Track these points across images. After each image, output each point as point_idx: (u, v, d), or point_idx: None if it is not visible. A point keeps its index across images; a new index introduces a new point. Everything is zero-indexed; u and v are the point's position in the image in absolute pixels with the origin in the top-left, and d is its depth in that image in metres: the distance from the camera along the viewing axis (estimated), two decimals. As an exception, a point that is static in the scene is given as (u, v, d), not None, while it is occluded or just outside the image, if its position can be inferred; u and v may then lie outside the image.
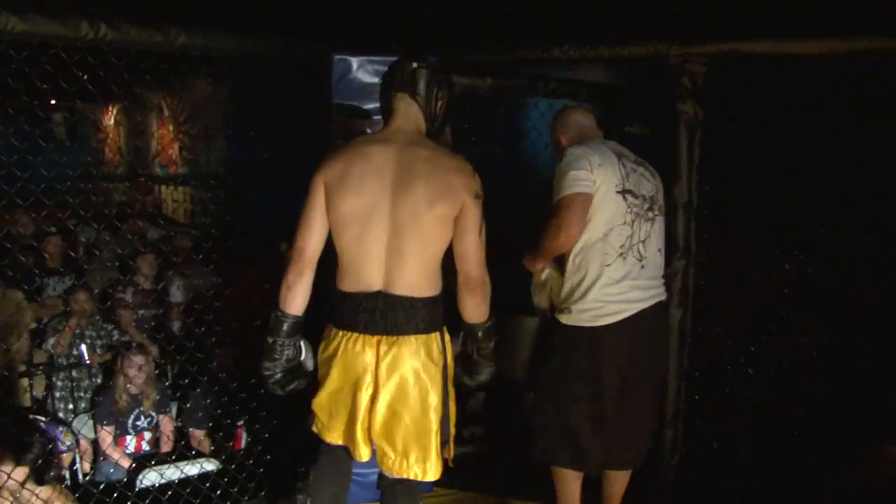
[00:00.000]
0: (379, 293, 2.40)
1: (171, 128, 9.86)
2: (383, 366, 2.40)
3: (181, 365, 5.29)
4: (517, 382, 3.41)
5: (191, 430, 4.61)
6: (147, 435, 4.50)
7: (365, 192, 2.39)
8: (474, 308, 2.49)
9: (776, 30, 2.94)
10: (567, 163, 2.76)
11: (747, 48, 3.02)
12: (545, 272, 2.98)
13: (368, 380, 2.42)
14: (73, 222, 7.19)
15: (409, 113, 2.52)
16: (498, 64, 3.39)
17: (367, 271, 2.41)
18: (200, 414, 4.57)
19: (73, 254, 5.82)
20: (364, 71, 3.28)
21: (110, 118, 11.51)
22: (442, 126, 2.60)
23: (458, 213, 2.39)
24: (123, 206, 8.80)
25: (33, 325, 5.08)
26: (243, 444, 4.48)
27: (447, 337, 2.51)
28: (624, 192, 2.78)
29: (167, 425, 4.57)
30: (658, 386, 3.02)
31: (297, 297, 2.48)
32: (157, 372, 5.07)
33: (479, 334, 2.55)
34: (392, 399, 2.41)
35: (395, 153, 2.43)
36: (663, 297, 2.97)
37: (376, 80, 3.21)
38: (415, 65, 2.53)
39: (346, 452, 2.61)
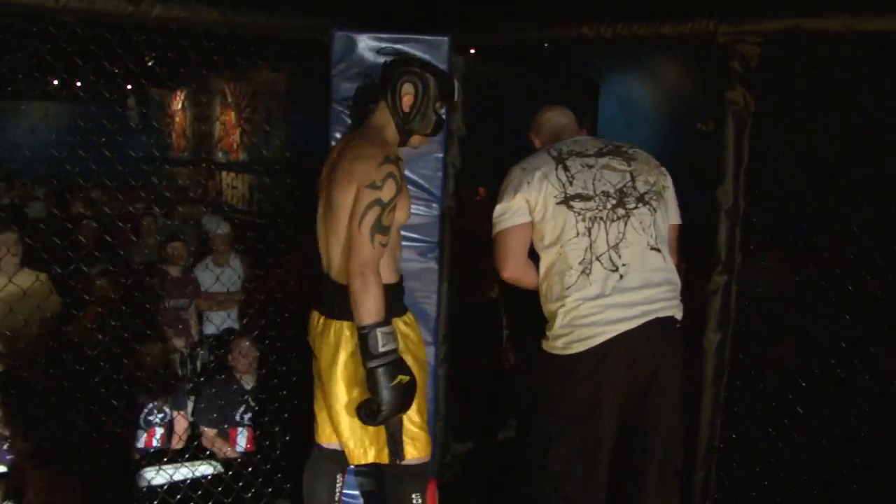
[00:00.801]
0: (326, 275, 2.54)
1: (233, 114, 9.81)
2: (320, 342, 2.53)
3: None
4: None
5: (203, 428, 4.39)
6: (158, 431, 4.31)
7: (320, 182, 2.59)
8: (352, 304, 2.31)
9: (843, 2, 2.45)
10: (498, 195, 2.55)
11: (814, 25, 2.53)
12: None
13: (316, 354, 2.58)
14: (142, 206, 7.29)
15: (379, 108, 2.57)
16: (520, 44, 2.99)
17: (323, 254, 2.56)
18: (214, 413, 4.35)
19: (108, 238, 5.68)
20: (369, 50, 2.93)
21: (178, 103, 11.59)
22: (419, 123, 2.55)
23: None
24: (181, 191, 8.80)
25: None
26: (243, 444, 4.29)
27: (400, 330, 2.49)
28: (567, 201, 2.43)
29: (181, 423, 4.37)
30: (676, 422, 2.50)
31: None
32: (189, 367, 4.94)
33: (360, 341, 2.32)
34: (328, 378, 2.51)
35: (343, 145, 2.56)
36: (668, 313, 2.43)
37: (384, 60, 2.91)
38: (386, 60, 2.63)
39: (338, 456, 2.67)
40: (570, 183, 2.44)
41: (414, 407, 2.46)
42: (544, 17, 2.86)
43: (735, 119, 2.70)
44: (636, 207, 2.45)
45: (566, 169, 2.47)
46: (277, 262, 5.05)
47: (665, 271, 2.45)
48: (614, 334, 2.34)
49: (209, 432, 4.37)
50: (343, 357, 2.46)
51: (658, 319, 2.38)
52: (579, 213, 2.41)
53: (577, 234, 2.40)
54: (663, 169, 2.57)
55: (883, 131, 2.98)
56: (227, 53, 3.00)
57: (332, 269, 2.50)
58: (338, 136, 2.95)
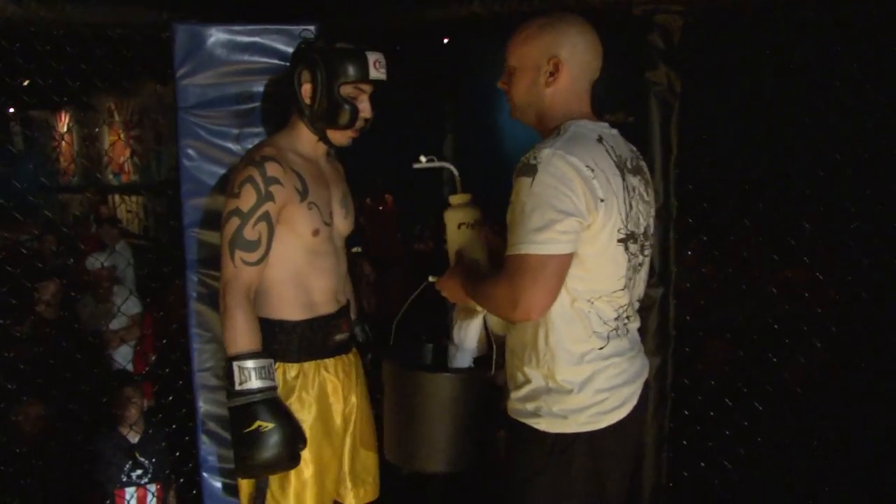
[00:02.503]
0: None
1: (121, 134, 9.09)
2: None
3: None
4: (434, 478, 2.20)
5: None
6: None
7: None
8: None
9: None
10: (543, 185, 1.60)
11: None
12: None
13: None
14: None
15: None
16: (400, 28, 2.53)
17: None
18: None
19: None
20: (222, 46, 2.42)
21: (63, 125, 10.77)
22: (326, 114, 2.06)
23: None
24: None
25: None
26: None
27: (279, 374, 2.07)
28: (626, 240, 1.73)
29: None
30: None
31: None
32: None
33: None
34: None
35: None
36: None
37: (240, 56, 2.43)
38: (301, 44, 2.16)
39: None
40: (630, 211, 1.73)
41: (292, 486, 2.05)
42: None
43: (659, 103, 2.29)
44: (650, 250, 1.88)
45: (628, 189, 1.73)
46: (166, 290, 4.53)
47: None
48: (639, 393, 1.80)
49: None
50: None
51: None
52: (629, 259, 1.75)
53: (623, 287, 1.75)
54: None
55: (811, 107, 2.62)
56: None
57: None
58: (190, 151, 2.45)
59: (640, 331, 1.94)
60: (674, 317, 2.34)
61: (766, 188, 2.72)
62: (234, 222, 1.97)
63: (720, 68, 2.56)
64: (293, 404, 2.07)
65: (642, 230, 1.79)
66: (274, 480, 2.06)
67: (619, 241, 1.70)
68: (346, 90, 2.04)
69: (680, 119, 2.32)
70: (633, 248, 1.75)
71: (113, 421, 3.83)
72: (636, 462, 1.95)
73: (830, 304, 2.64)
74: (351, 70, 2.02)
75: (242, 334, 1.95)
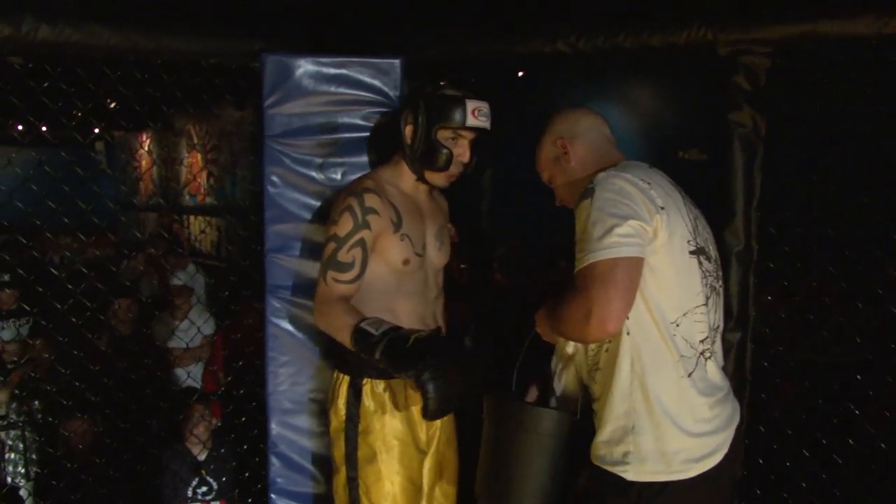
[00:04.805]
0: None
1: (199, 156, 9.38)
2: None
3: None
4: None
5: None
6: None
7: None
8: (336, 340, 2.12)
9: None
10: (602, 200, 1.62)
11: (836, 29, 2.11)
12: (571, 343, 1.90)
13: None
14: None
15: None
16: (486, 65, 2.56)
17: None
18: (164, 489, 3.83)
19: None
20: (309, 76, 2.49)
21: (144, 146, 11.17)
22: (424, 156, 2.14)
23: None
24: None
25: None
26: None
27: (367, 388, 2.14)
28: (697, 253, 1.71)
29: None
30: None
31: None
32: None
33: (363, 353, 2.06)
34: None
35: None
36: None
37: (326, 87, 2.49)
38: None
39: None
40: (697, 229, 1.74)
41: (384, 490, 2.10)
42: (513, 33, 2.43)
43: (743, 145, 2.26)
44: (721, 285, 1.85)
45: (689, 209, 1.76)
46: (243, 310, 4.60)
47: None
48: (731, 439, 1.73)
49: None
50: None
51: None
52: (705, 276, 1.72)
53: (706, 302, 1.71)
54: None
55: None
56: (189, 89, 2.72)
57: None
58: (274, 178, 2.51)
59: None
60: (751, 362, 2.29)
61: (853, 232, 2.64)
62: (331, 246, 2.10)
63: (806, 110, 2.50)
64: (384, 417, 2.12)
65: (713, 253, 1.80)
66: (364, 495, 2.10)
67: (691, 253, 1.69)
68: (443, 134, 2.12)
69: (764, 161, 2.28)
70: (706, 265, 1.74)
71: (181, 437, 3.91)
72: None
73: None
74: (448, 115, 2.09)
75: (351, 315, 2.02)
